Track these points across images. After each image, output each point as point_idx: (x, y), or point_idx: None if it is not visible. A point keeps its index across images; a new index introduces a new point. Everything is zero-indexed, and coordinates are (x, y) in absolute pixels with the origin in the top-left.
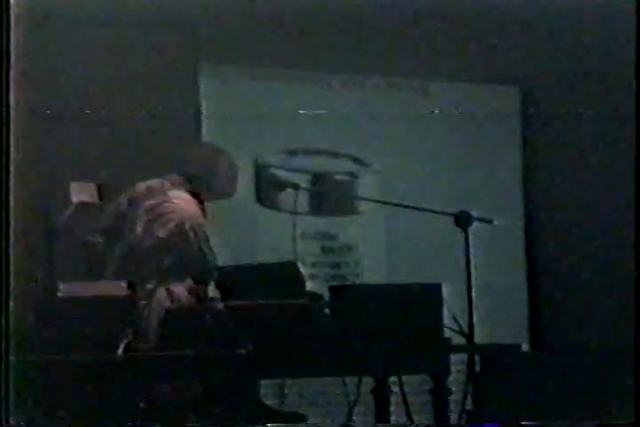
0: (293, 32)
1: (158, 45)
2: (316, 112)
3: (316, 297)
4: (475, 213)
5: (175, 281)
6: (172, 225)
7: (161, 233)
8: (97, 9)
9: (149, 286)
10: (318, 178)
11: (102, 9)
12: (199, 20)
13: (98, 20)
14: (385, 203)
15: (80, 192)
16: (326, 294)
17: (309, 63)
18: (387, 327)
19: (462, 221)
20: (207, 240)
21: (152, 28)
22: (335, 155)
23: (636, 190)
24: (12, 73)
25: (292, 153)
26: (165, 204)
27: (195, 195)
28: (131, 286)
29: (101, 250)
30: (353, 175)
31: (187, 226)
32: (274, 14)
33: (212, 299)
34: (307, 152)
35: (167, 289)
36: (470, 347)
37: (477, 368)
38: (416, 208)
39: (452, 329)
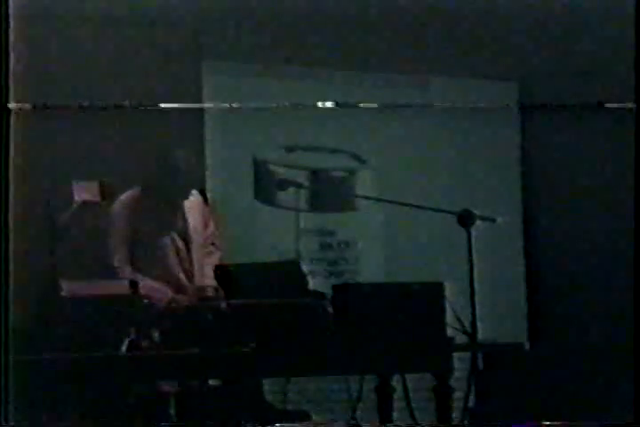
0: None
1: (160, 43)
2: (314, 107)
3: (318, 296)
4: (477, 212)
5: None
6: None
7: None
8: (97, 8)
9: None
10: (316, 174)
11: (103, 7)
12: (201, 17)
13: (98, 18)
14: (389, 202)
15: (82, 191)
16: (327, 292)
17: (309, 59)
18: (389, 326)
19: (465, 219)
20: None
21: (153, 26)
22: (333, 151)
23: (636, 188)
24: (11, 72)
25: (290, 149)
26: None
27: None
28: (133, 284)
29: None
30: (351, 172)
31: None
32: (275, 11)
33: (215, 298)
34: (305, 148)
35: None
36: (473, 345)
37: (480, 367)
38: (419, 207)
39: (454, 328)
